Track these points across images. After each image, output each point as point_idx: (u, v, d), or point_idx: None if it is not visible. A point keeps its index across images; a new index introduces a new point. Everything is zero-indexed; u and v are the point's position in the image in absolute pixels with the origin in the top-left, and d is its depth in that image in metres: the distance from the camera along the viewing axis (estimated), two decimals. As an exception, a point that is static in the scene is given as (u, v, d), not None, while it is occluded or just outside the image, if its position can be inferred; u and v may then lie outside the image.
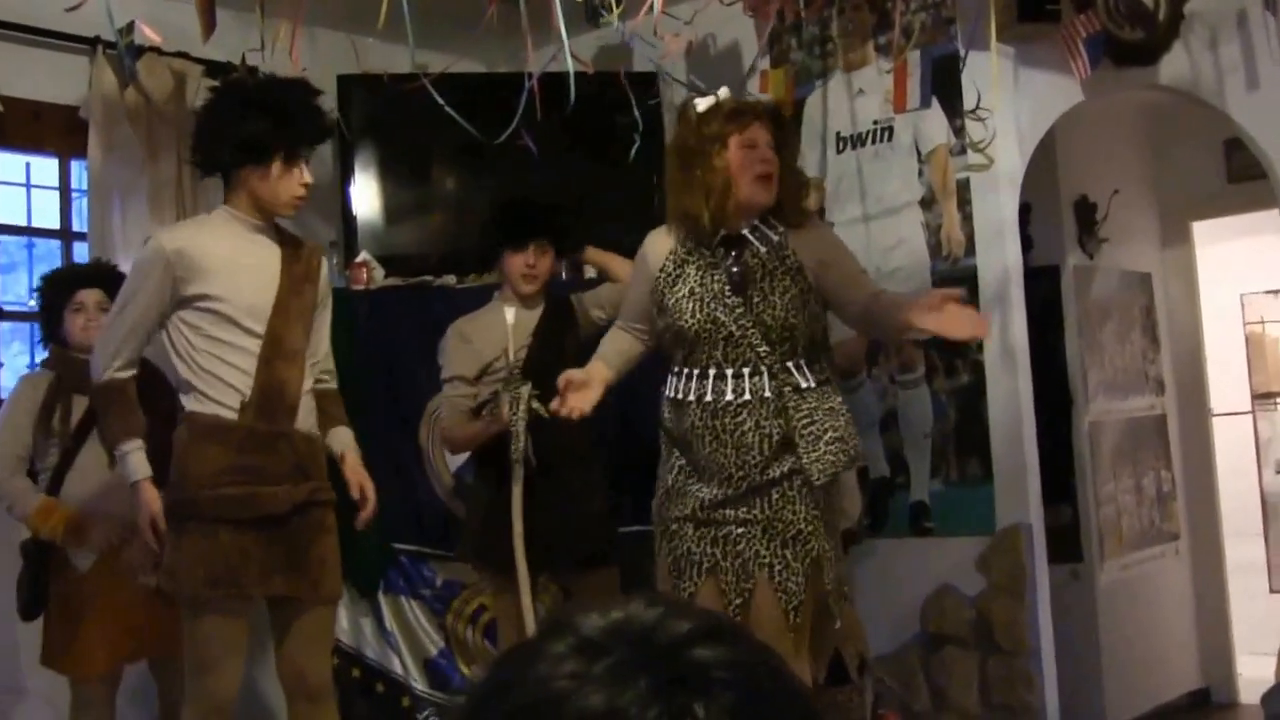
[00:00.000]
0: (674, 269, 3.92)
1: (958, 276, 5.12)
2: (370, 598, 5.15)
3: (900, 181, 5.29)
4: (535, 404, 4.35)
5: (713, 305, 3.83)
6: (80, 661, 4.44)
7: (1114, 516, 6.13)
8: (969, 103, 5.05)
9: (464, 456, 5.04)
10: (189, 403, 3.84)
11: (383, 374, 5.12)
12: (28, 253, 5.39)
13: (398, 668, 5.14)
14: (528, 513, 4.37)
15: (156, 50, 5.12)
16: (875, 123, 5.35)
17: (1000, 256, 5.06)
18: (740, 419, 3.80)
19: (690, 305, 3.85)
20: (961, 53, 5.03)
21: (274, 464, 3.85)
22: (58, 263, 5.32)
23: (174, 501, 3.82)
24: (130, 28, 4.88)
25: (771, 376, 3.82)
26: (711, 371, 3.84)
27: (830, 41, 5.49)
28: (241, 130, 3.84)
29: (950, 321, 3.74)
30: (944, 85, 5.09)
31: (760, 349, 3.81)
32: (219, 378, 3.82)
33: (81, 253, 5.23)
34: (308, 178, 3.92)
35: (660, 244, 3.98)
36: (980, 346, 5.07)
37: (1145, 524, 6.39)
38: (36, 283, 4.71)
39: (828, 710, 4.77)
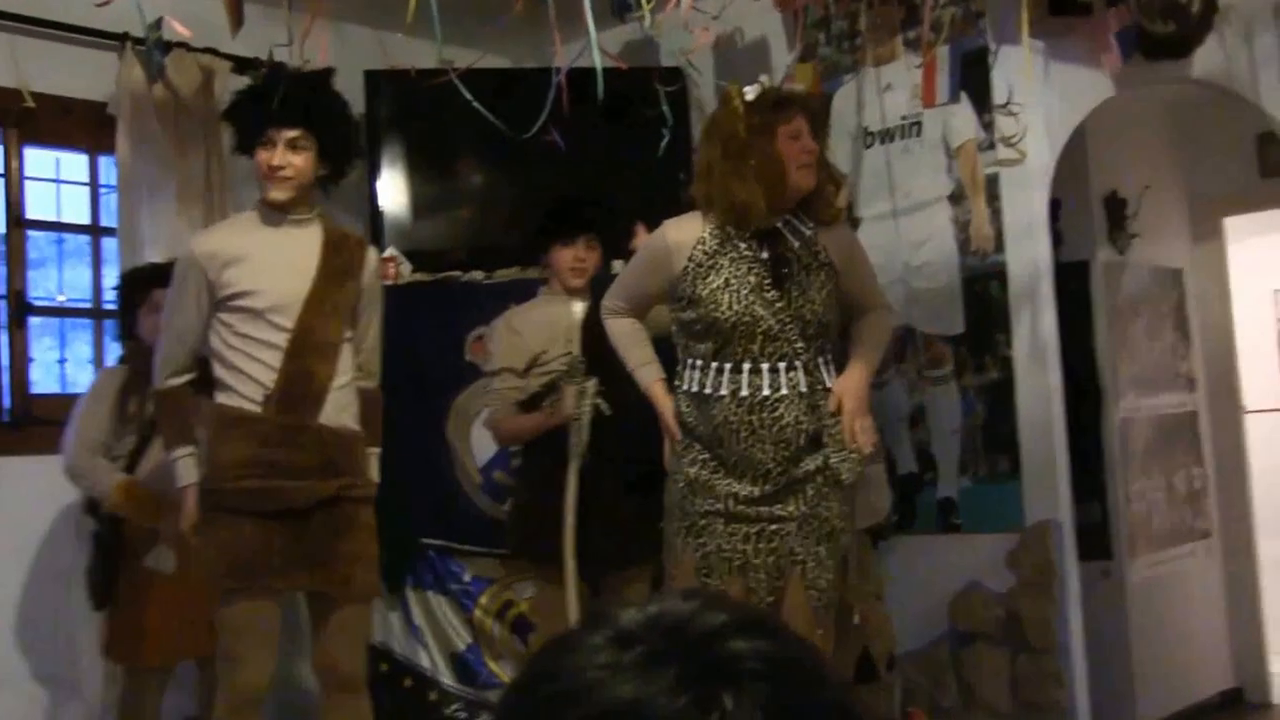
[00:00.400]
0: (705, 259, 3.85)
1: (987, 272, 5.10)
2: (398, 593, 5.15)
3: (929, 177, 5.26)
4: (598, 400, 4.36)
5: (750, 298, 3.79)
6: (144, 653, 4.53)
7: (1144, 513, 6.09)
8: (999, 97, 5.02)
9: (491, 452, 5.06)
10: (218, 396, 3.90)
11: (409, 369, 5.12)
12: (58, 248, 5.41)
13: (425, 662, 5.14)
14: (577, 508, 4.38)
15: (184, 46, 5.14)
16: (904, 118, 5.32)
17: (1030, 252, 5.03)
18: (778, 414, 3.78)
19: (727, 297, 3.80)
20: (991, 47, 5.00)
21: (298, 458, 3.87)
22: (87, 258, 5.35)
23: (203, 493, 3.90)
24: (158, 24, 4.88)
25: (806, 372, 3.80)
26: (746, 365, 3.80)
27: (858, 36, 5.46)
28: (233, 119, 4.05)
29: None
30: (973, 80, 5.06)
31: (797, 344, 3.79)
32: (244, 371, 3.87)
33: (110, 248, 5.25)
34: (275, 159, 3.94)
35: (686, 233, 3.90)
36: (1010, 342, 5.05)
37: (1176, 521, 6.35)
38: (115, 281, 4.85)
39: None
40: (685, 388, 3.90)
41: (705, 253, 3.86)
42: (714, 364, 3.83)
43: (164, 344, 3.98)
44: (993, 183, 5.08)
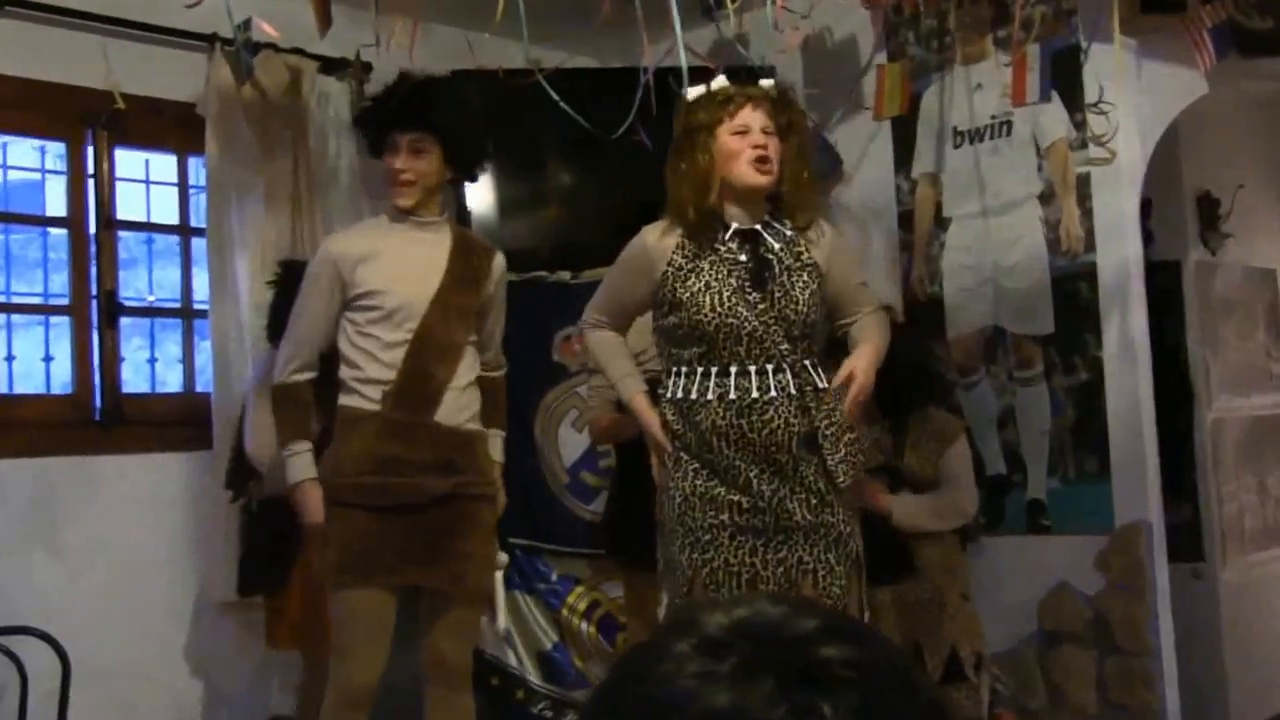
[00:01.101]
0: (685, 263, 3.78)
1: (1077, 272, 5.05)
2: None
3: (1019, 177, 5.22)
4: None
5: (733, 300, 3.71)
6: (315, 638, 4.54)
7: (1236, 515, 6.03)
8: (1090, 96, 4.97)
9: (579, 452, 5.07)
10: (341, 398, 4.00)
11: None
12: (147, 248, 5.45)
13: (513, 661, 5.16)
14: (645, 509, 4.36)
15: (273, 47, 5.16)
16: (993, 117, 5.28)
17: (1120, 252, 4.98)
18: (767, 416, 3.70)
19: (708, 300, 3.72)
20: (1083, 45, 4.95)
21: (414, 454, 3.94)
22: (176, 258, 5.39)
23: (324, 489, 3.99)
24: (247, 24, 4.92)
25: (794, 374, 3.73)
26: (733, 369, 3.72)
27: (948, 35, 5.42)
28: (361, 125, 4.19)
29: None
30: (1064, 78, 5.00)
31: (782, 346, 3.72)
32: (366, 371, 3.96)
33: (199, 248, 5.28)
34: (398, 162, 4.04)
35: (665, 237, 3.83)
36: (1100, 343, 5.00)
37: (1270, 523, 6.27)
38: (271, 275, 4.90)
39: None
40: (670, 396, 3.81)
41: (685, 256, 3.79)
42: (699, 369, 3.75)
43: (289, 340, 4.06)
44: (1083, 182, 5.03)
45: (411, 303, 3.98)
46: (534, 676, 5.17)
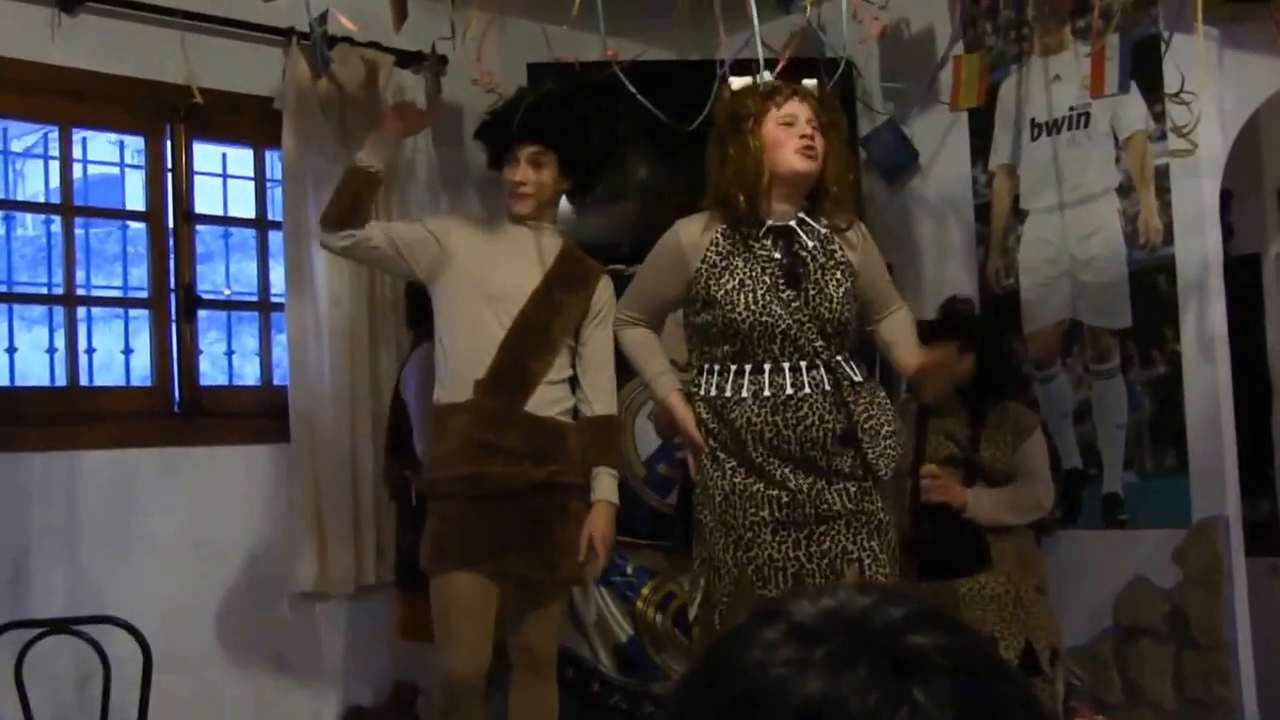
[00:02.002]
0: (719, 260, 3.78)
1: (1155, 266, 5.02)
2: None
3: (1097, 169, 5.18)
4: None
5: (767, 298, 3.71)
6: None
7: (1315, 510, 5.98)
8: (1170, 86, 4.92)
9: (656, 444, 5.07)
10: (436, 393, 4.14)
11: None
12: (224, 242, 5.50)
13: (588, 654, 5.17)
14: None
15: (349, 40, 5.19)
16: (1071, 108, 5.24)
17: (1200, 245, 4.94)
18: (802, 413, 3.70)
19: (743, 298, 3.71)
20: (1163, 35, 4.90)
21: (507, 442, 4.01)
22: (253, 252, 5.43)
23: (423, 485, 4.16)
24: (324, 18, 4.93)
25: (829, 370, 3.73)
26: (767, 366, 3.72)
27: (1026, 25, 5.39)
28: (483, 138, 4.30)
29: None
30: (1144, 69, 4.96)
31: (816, 343, 3.72)
32: (462, 357, 4.07)
33: (276, 242, 5.31)
34: (516, 175, 4.16)
35: (698, 233, 3.83)
36: (1178, 337, 4.96)
37: (1349, 518, 6.21)
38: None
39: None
40: (703, 393, 3.81)
41: (719, 253, 3.79)
42: (733, 366, 3.76)
43: None
44: (1162, 174, 5.00)
45: (512, 291, 4.09)
46: (609, 669, 5.19)
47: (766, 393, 3.71)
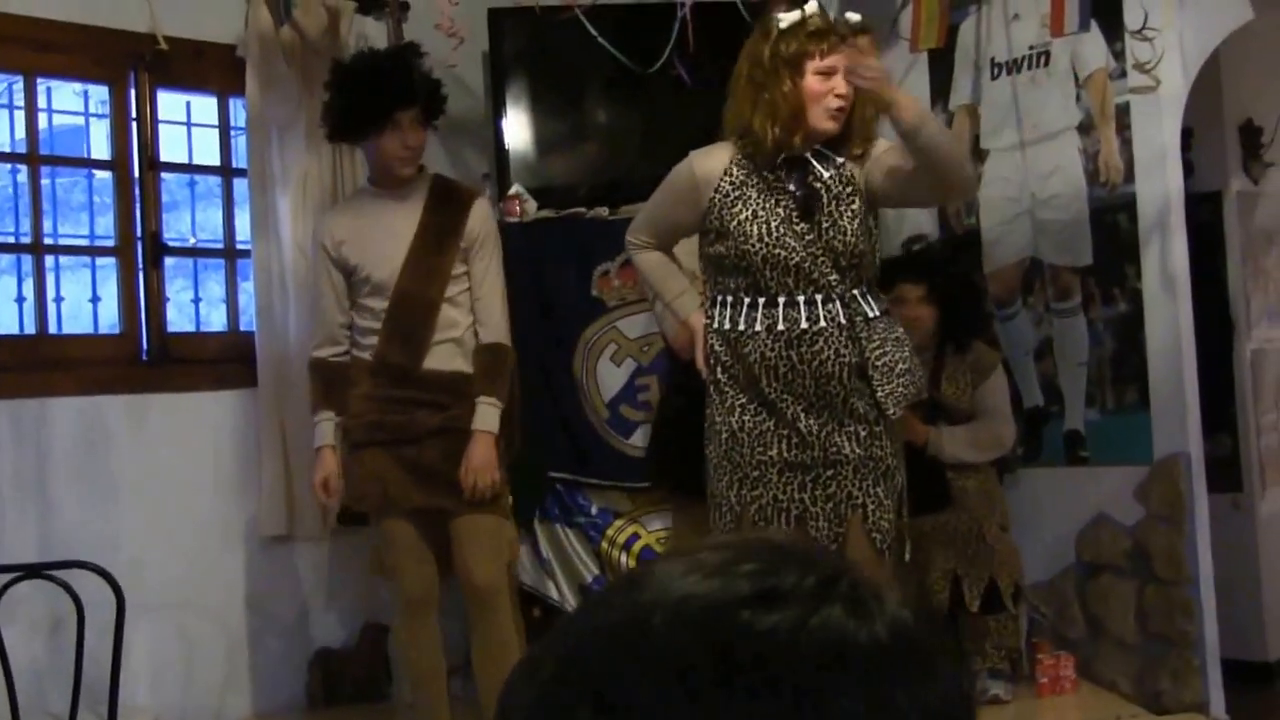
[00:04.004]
0: (732, 190, 3.75)
1: (1116, 203, 5.03)
2: (525, 525, 5.22)
3: (1057, 107, 5.19)
4: None
5: (781, 230, 3.69)
6: None
7: (1276, 446, 6.01)
8: (1133, 23, 4.91)
9: (618, 386, 5.10)
10: (353, 351, 4.34)
11: (536, 305, 5.16)
12: (190, 190, 5.51)
13: (554, 593, 5.21)
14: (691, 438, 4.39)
15: (311, -12, 5.18)
16: (1031, 48, 5.24)
17: (1161, 183, 4.95)
18: (817, 347, 3.68)
19: (755, 229, 3.70)
20: (1124, -28, 4.90)
21: (404, 393, 4.22)
22: (219, 199, 5.44)
23: (343, 431, 4.35)
24: (285, -35, 4.95)
25: (844, 304, 3.70)
26: (781, 299, 3.70)
27: (986, -36, 5.39)
28: (338, 105, 4.28)
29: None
30: (1103, 7, 4.95)
31: (830, 276, 3.69)
32: (364, 329, 4.29)
33: (241, 189, 5.33)
34: (409, 140, 4.23)
35: (712, 162, 3.80)
36: (1139, 274, 4.98)
37: (1310, 455, 6.25)
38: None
39: (981, 636, 4.78)
40: (717, 326, 3.80)
41: (732, 184, 3.76)
42: (746, 299, 3.75)
43: (315, 320, 4.49)
44: (1123, 112, 5.00)
45: (384, 273, 4.24)
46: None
47: (780, 326, 3.70)
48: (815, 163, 3.75)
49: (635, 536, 5.15)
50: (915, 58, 5.48)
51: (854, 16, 3.89)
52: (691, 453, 4.40)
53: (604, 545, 5.19)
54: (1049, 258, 5.25)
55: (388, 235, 4.27)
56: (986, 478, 4.97)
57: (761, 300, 3.72)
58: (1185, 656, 4.89)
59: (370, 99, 4.19)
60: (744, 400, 3.75)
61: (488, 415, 4.26)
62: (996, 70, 5.36)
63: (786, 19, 3.72)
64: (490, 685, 4.26)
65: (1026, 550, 5.01)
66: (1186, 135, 5.24)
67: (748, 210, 3.72)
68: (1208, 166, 5.85)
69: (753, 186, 3.74)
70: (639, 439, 5.09)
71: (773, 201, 3.72)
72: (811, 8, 3.76)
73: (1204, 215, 5.68)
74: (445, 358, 4.25)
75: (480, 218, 4.36)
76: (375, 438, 4.22)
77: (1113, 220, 5.05)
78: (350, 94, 4.24)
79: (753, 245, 3.69)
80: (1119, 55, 5.00)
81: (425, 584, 4.29)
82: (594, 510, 5.20)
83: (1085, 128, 5.12)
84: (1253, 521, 5.87)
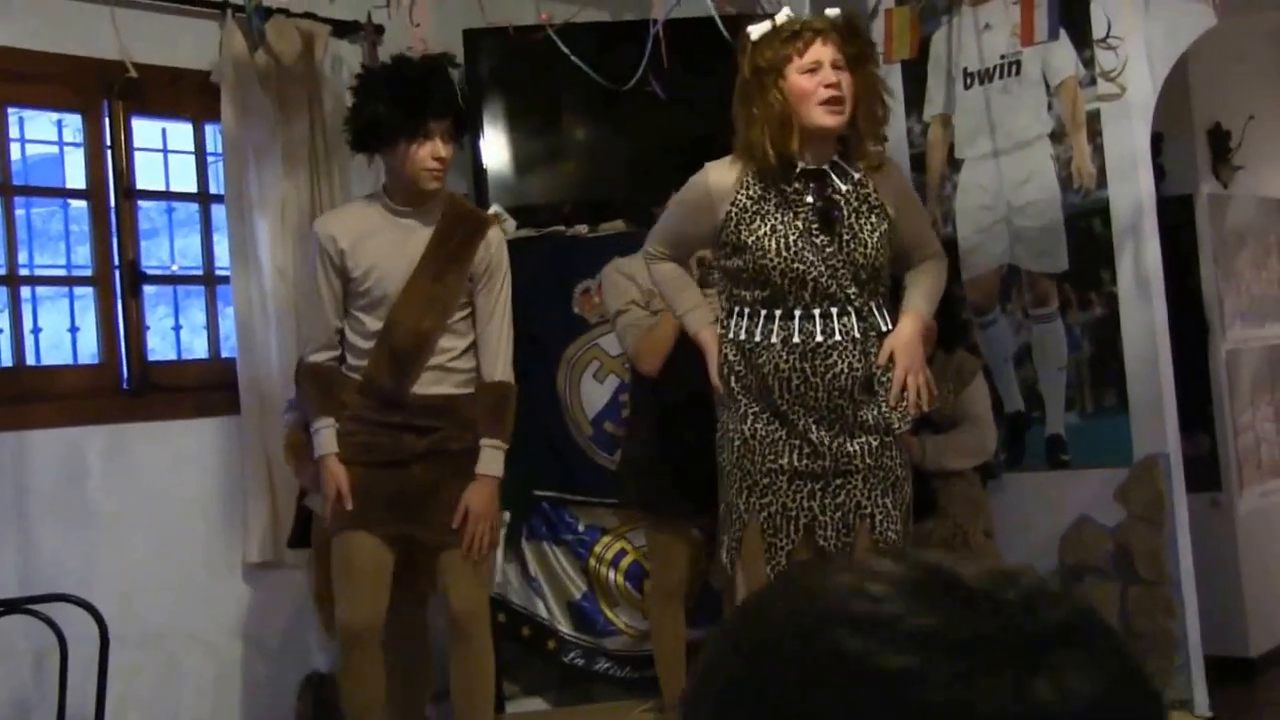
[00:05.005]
0: (750, 204, 3.72)
1: (1090, 209, 5.08)
2: (513, 545, 5.24)
3: (1029, 116, 5.24)
4: None
5: (799, 244, 3.66)
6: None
7: (1253, 445, 6.08)
8: (1098, 31, 4.98)
9: (601, 403, 5.12)
10: (342, 365, 4.21)
11: (519, 324, 5.17)
12: (168, 217, 5.49)
13: (543, 612, 5.23)
14: (682, 459, 4.39)
15: (284, 12, 5.17)
16: (1003, 57, 5.30)
17: (1133, 187, 5.01)
18: (831, 360, 3.68)
19: (774, 244, 3.67)
20: (1090, -19, 4.95)
21: (392, 417, 4.12)
22: (197, 226, 5.43)
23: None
24: (258, -10, 4.94)
25: (859, 318, 3.70)
26: (798, 313, 3.68)
27: (955, -24, 5.44)
28: (370, 113, 4.10)
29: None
30: (1072, 16, 5.01)
31: (849, 289, 3.68)
32: (355, 348, 4.17)
33: (219, 216, 5.32)
34: (441, 151, 4.10)
35: (727, 176, 3.77)
36: (1114, 278, 5.03)
37: (1286, 451, 6.33)
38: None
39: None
40: (732, 336, 3.79)
41: (750, 198, 3.73)
42: (763, 311, 3.72)
43: (304, 322, 4.34)
44: (1094, 119, 5.06)
45: (386, 291, 4.13)
46: (564, 626, 5.24)
47: (796, 339, 3.68)
48: (834, 176, 3.74)
49: (623, 552, 5.17)
50: (888, 70, 5.50)
51: (833, 11, 3.84)
52: (658, 470, 4.41)
53: (591, 562, 5.21)
54: (1026, 264, 5.29)
55: (395, 251, 4.15)
56: (970, 484, 4.99)
57: (778, 313, 3.71)
58: (1169, 655, 4.94)
59: (408, 105, 4.05)
60: (756, 409, 3.75)
61: (492, 459, 4.19)
62: (969, 80, 5.41)
63: (757, 30, 3.72)
64: (467, 709, 4.28)
65: (1011, 554, 5.03)
66: (1157, 140, 5.31)
67: (766, 225, 3.70)
68: (1178, 171, 5.92)
69: (770, 201, 3.71)
70: (619, 454, 5.11)
71: (791, 215, 3.70)
72: (781, 16, 3.76)
73: (1176, 219, 5.75)
74: (433, 382, 4.17)
75: (491, 247, 4.27)
76: (362, 458, 4.13)
77: (1087, 226, 5.11)
78: (386, 99, 4.08)
79: (771, 260, 3.68)
80: (1088, 63, 5.06)
81: (371, 613, 4.13)
82: (581, 527, 5.22)
83: (1057, 135, 5.17)
84: (1232, 520, 5.94)
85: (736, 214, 3.73)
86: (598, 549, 5.21)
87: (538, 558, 5.24)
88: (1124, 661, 0.76)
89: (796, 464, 3.72)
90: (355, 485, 4.09)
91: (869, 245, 3.70)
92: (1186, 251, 5.87)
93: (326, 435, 4.15)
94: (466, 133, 4.33)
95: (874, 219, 3.73)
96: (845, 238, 3.69)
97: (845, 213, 3.71)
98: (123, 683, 4.58)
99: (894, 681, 0.71)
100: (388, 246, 4.15)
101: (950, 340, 4.99)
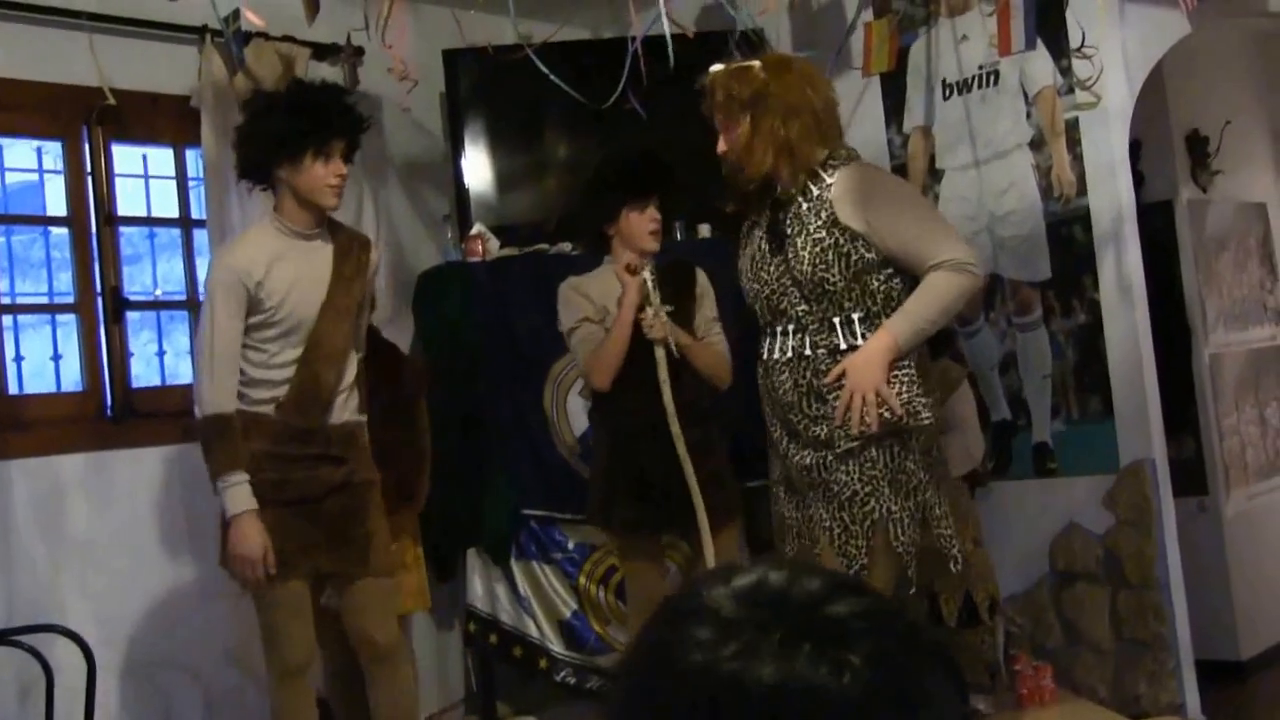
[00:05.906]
0: (744, 234, 4.00)
1: (1071, 217, 5.10)
2: (503, 564, 5.23)
3: (1009, 125, 5.27)
4: (667, 320, 4.29)
5: (756, 267, 3.89)
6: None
7: (1238, 448, 6.10)
8: (1074, 41, 5.01)
9: (588, 420, 5.10)
10: (240, 403, 4.06)
11: (505, 342, 5.18)
12: (150, 243, 5.48)
13: (534, 631, 5.22)
14: (654, 474, 4.38)
15: (263, 35, 5.16)
16: (981, 67, 5.32)
17: (1113, 194, 5.03)
18: (782, 377, 3.81)
19: (747, 268, 3.93)
20: (1065, -10, 4.98)
21: (307, 450, 4.07)
22: (180, 251, 5.42)
23: None
24: (236, 15, 4.94)
25: (811, 335, 3.77)
26: (767, 330, 3.90)
27: (931, -12, 5.45)
28: (272, 128, 4.09)
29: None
30: (1048, 25, 5.04)
31: (799, 308, 3.77)
32: (260, 381, 4.06)
33: (201, 240, 5.31)
34: (342, 169, 4.12)
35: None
36: (1096, 285, 5.05)
37: (1270, 454, 6.35)
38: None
39: (959, 652, 4.80)
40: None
41: (746, 229, 4.00)
42: (763, 330, 3.96)
43: (210, 367, 4.04)
44: (1072, 127, 5.08)
45: (304, 316, 4.08)
46: (555, 645, 5.23)
47: (764, 356, 3.90)
48: (799, 196, 3.80)
49: (613, 569, 5.16)
50: (868, 82, 5.54)
51: (716, 67, 4.00)
52: (620, 489, 4.39)
53: (581, 580, 5.21)
54: (1009, 273, 5.31)
55: (305, 275, 4.11)
56: (959, 493, 4.97)
57: (764, 332, 3.93)
58: (1160, 659, 4.96)
59: (313, 119, 4.06)
60: (770, 425, 3.96)
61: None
62: (948, 91, 5.43)
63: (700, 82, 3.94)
64: None
65: (1001, 562, 5.05)
66: (1135, 147, 5.33)
67: (745, 252, 3.96)
68: (1157, 177, 5.95)
69: (756, 226, 3.94)
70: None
71: (757, 239, 3.91)
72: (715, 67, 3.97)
73: (1156, 224, 5.78)
74: (341, 408, 4.15)
75: (375, 265, 4.39)
76: (272, 496, 4.01)
77: (1068, 233, 5.13)
78: (288, 115, 4.09)
79: (743, 283, 3.96)
80: (1065, 72, 5.08)
81: (309, 649, 4.15)
82: (570, 545, 5.21)
83: (1037, 144, 5.19)
84: (1219, 523, 5.96)
85: (740, 245, 4.02)
86: (587, 567, 5.20)
87: (527, 577, 5.23)
88: (909, 653, 0.93)
89: (782, 475, 3.91)
90: (272, 533, 3.98)
91: (805, 261, 3.75)
92: (1167, 257, 5.90)
93: (243, 491, 3.99)
94: (358, 149, 4.26)
95: (821, 234, 3.73)
96: (790, 257, 3.79)
97: (790, 233, 3.80)
98: (112, 711, 4.56)
99: (702, 653, 0.92)
100: (297, 271, 4.09)
101: (934, 348, 4.99)
